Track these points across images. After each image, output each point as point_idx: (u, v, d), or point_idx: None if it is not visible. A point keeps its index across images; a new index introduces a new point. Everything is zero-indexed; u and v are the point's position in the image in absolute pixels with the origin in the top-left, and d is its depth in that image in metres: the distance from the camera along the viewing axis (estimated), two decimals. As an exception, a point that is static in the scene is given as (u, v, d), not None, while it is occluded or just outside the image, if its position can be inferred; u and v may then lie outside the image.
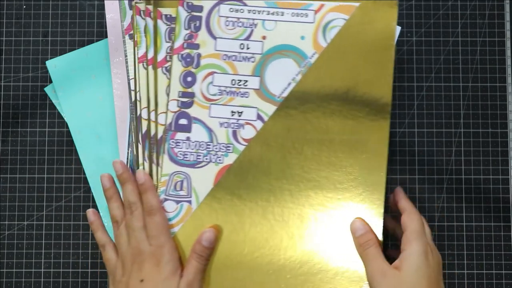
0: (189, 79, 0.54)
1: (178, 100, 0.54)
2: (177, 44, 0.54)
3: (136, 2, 0.55)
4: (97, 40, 0.61)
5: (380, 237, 0.52)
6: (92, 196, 0.59)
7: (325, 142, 0.53)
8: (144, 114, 0.54)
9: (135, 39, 0.55)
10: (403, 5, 0.62)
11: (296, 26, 0.54)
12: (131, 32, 0.56)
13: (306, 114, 0.54)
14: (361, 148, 0.53)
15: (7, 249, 0.59)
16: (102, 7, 0.61)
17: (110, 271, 0.52)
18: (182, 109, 0.54)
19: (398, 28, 0.58)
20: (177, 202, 0.53)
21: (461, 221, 0.60)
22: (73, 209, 0.60)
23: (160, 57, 0.55)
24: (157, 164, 0.54)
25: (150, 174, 0.54)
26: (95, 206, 0.59)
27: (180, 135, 0.54)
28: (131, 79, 0.55)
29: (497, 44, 0.62)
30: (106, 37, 0.59)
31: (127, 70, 0.55)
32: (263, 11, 0.54)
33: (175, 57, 0.54)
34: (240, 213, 0.53)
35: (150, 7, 0.55)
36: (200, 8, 0.55)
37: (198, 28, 0.55)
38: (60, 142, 0.60)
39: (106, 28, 0.58)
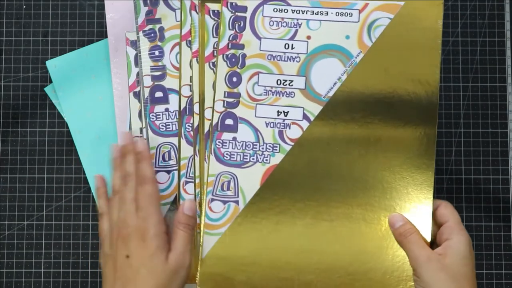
0: (234, 79, 0.54)
1: (224, 100, 0.54)
2: (222, 44, 0.55)
3: None
4: (97, 40, 0.61)
5: (429, 238, 0.52)
6: (92, 196, 0.59)
7: (372, 141, 0.53)
8: (196, 109, 0.55)
9: (192, 34, 0.55)
10: (403, 5, 0.62)
11: (340, 25, 0.54)
12: (146, 28, 0.56)
13: (352, 113, 0.53)
14: (409, 147, 0.53)
15: (7, 249, 0.59)
16: (102, 7, 0.61)
17: (101, 242, 0.52)
18: (228, 109, 0.54)
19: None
20: (224, 202, 0.53)
21: (461, 221, 0.60)
22: (73, 209, 0.60)
23: (207, 52, 0.55)
24: (206, 161, 0.54)
25: (201, 170, 0.54)
26: (95, 206, 0.59)
27: (226, 135, 0.54)
28: (144, 76, 0.55)
29: (497, 44, 0.62)
30: (106, 37, 0.59)
31: (140, 67, 0.56)
32: (307, 10, 0.54)
33: (220, 57, 0.55)
34: (288, 213, 0.53)
35: (197, 2, 0.55)
36: (244, 9, 0.55)
37: (242, 29, 0.55)
38: (60, 142, 0.60)
39: (106, 28, 0.58)
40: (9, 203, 0.60)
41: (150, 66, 0.55)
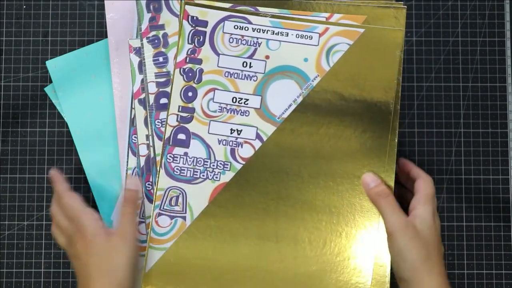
0: (190, 94, 0.54)
1: (177, 115, 0.54)
2: (180, 58, 0.54)
3: (186, 2, 0.54)
4: (97, 40, 0.61)
5: (371, 267, 0.52)
6: (92, 196, 0.59)
7: (323, 165, 0.53)
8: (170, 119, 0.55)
9: (179, 44, 0.54)
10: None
11: (300, 47, 0.54)
12: (149, 35, 0.56)
13: (304, 136, 0.54)
14: (359, 173, 0.53)
15: (7, 249, 0.59)
16: (102, 7, 0.61)
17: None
18: (182, 124, 0.54)
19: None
20: (171, 217, 0.53)
21: (461, 221, 0.60)
22: (73, 209, 0.60)
23: (180, 58, 0.55)
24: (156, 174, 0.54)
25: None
26: (95, 206, 0.59)
27: (178, 150, 0.54)
28: (149, 82, 0.55)
29: (497, 44, 0.62)
30: (106, 37, 0.59)
31: (145, 74, 0.55)
32: (268, 30, 0.54)
33: (177, 71, 0.54)
34: (235, 232, 0.53)
35: (187, 8, 0.55)
36: (205, 23, 0.55)
37: (201, 43, 0.55)
38: (60, 142, 0.60)
39: (106, 28, 0.58)
40: (9, 203, 0.60)
41: (155, 73, 0.55)
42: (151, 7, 0.56)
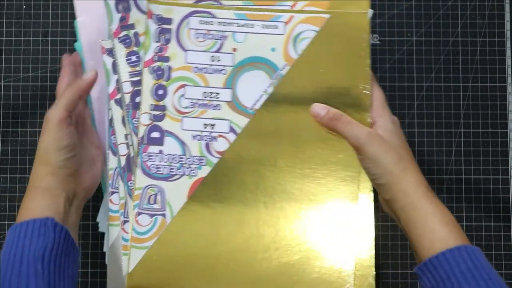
0: (160, 92, 0.54)
1: (150, 113, 0.54)
2: (148, 57, 0.54)
3: (149, 1, 0.54)
4: (97, 40, 0.61)
5: (354, 251, 0.52)
6: (92, 196, 0.59)
7: (299, 153, 0.53)
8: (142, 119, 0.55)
9: (145, 43, 0.54)
10: (403, 5, 0.62)
11: (266, 38, 0.54)
12: (121, 35, 0.55)
13: (278, 126, 0.53)
14: (335, 160, 0.53)
15: (7, 249, 0.59)
16: (102, 7, 0.61)
17: None
18: (154, 122, 0.54)
19: (371, 11, 0.58)
20: (151, 215, 0.53)
21: (461, 221, 0.60)
22: (73, 209, 0.60)
23: (148, 57, 0.54)
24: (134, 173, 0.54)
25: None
26: (95, 206, 0.59)
27: (153, 148, 0.54)
28: (123, 82, 0.55)
29: (497, 44, 0.62)
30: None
31: (119, 74, 0.55)
32: (233, 23, 0.54)
33: (145, 70, 0.54)
34: (215, 226, 0.53)
35: (151, 7, 0.55)
36: (169, 21, 0.55)
37: (168, 41, 0.54)
38: (60, 142, 0.60)
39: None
40: (9, 203, 0.60)
41: (129, 72, 0.55)
42: (120, 7, 0.56)
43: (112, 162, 0.55)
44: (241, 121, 0.54)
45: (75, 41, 0.61)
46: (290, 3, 0.55)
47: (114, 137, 0.55)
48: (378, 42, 0.62)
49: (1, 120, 0.61)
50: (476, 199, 0.61)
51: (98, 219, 0.57)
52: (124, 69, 0.55)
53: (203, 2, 0.55)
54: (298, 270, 0.52)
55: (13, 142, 0.61)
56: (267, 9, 0.54)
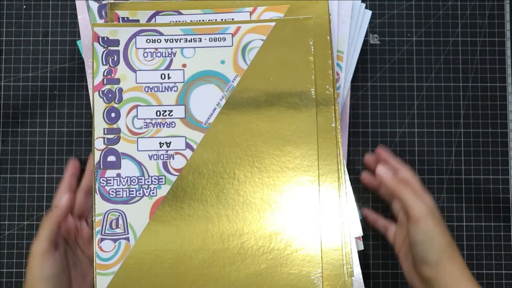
0: (112, 115, 0.54)
1: (104, 138, 0.53)
2: (97, 80, 0.54)
3: (94, 24, 0.54)
4: (97, 40, 0.61)
5: (315, 253, 0.52)
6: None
7: (256, 163, 0.53)
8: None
9: (93, 67, 0.54)
10: (403, 5, 0.62)
11: (215, 51, 0.54)
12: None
13: (234, 137, 0.54)
14: (293, 166, 0.53)
15: (7, 249, 0.59)
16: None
17: None
18: (109, 146, 0.53)
19: (369, 12, 0.58)
20: (114, 240, 0.53)
21: (461, 221, 0.60)
22: (73, 209, 0.60)
23: (97, 80, 0.54)
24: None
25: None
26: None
27: (110, 172, 0.53)
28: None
29: (497, 44, 0.62)
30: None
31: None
32: (181, 39, 0.54)
33: (96, 94, 0.54)
34: (180, 244, 0.52)
35: (96, 29, 0.54)
36: (116, 42, 0.54)
37: (116, 63, 0.54)
38: (60, 142, 0.60)
39: (78, 28, 0.58)
40: (9, 203, 0.60)
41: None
42: (103, 12, 0.56)
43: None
44: (197, 137, 0.54)
45: (75, 41, 0.61)
46: (250, 9, 0.55)
47: None
48: (378, 42, 0.62)
49: (1, 120, 0.61)
50: (476, 199, 0.60)
51: None
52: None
53: (161, 13, 0.54)
54: (267, 279, 0.52)
55: (13, 142, 0.61)
56: (213, 22, 0.55)
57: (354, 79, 0.61)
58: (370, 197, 0.60)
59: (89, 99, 0.60)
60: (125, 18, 0.54)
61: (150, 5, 0.55)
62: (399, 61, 0.61)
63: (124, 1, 0.55)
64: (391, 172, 0.52)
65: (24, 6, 0.62)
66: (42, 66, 0.61)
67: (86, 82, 0.59)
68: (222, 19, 0.55)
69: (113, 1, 0.55)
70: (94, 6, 0.56)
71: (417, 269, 0.50)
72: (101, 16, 0.56)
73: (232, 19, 0.55)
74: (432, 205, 0.51)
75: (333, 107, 0.54)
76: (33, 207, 0.60)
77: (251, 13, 0.55)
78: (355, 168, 0.60)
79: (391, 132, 0.61)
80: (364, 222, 0.57)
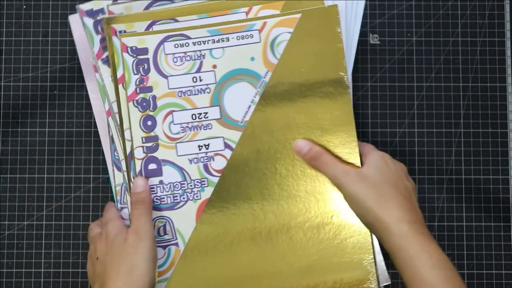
0: (149, 123, 0.54)
1: (143, 146, 0.54)
2: (130, 91, 0.54)
3: (121, 35, 0.54)
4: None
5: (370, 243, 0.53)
6: (92, 196, 0.59)
7: (296, 156, 0.54)
8: (127, 136, 0.55)
9: (125, 78, 0.54)
10: (403, 5, 0.62)
11: (244, 48, 0.54)
12: (103, 56, 0.55)
13: (272, 132, 0.54)
14: (331, 151, 0.53)
15: (7, 249, 0.59)
16: (102, 7, 0.61)
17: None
18: (149, 154, 0.54)
19: (362, 3, 0.58)
20: (164, 247, 0.53)
21: (461, 221, 0.60)
22: (73, 209, 0.60)
23: (130, 90, 0.54)
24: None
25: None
26: (95, 206, 0.59)
27: (153, 180, 0.53)
28: (113, 102, 0.55)
29: (497, 44, 0.62)
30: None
31: (107, 95, 0.55)
32: (208, 40, 0.54)
33: (130, 104, 0.54)
34: (229, 244, 0.53)
35: (124, 40, 0.54)
36: (145, 51, 0.54)
37: (147, 71, 0.54)
38: (60, 142, 0.60)
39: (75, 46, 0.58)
40: (9, 203, 0.60)
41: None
42: (100, 27, 0.55)
43: (118, 178, 0.55)
44: (234, 136, 0.54)
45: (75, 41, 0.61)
46: (245, 9, 0.55)
47: (117, 153, 0.55)
48: (378, 42, 0.62)
49: (1, 120, 0.61)
50: (476, 199, 0.60)
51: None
52: (112, 89, 0.55)
53: (159, 23, 0.54)
54: (319, 270, 0.53)
55: (13, 142, 0.61)
56: (240, 20, 0.55)
57: (354, 79, 0.61)
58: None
59: (89, 99, 0.60)
60: (134, 48, 0.54)
61: (145, 15, 0.55)
62: (399, 61, 0.61)
63: (119, 14, 0.55)
64: (306, 148, 0.53)
65: (24, 6, 0.62)
66: (42, 66, 0.61)
67: (85, 82, 0.59)
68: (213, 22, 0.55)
69: (108, 15, 0.55)
70: (90, 22, 0.56)
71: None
72: (97, 32, 0.56)
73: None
74: (345, 168, 0.51)
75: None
76: (33, 207, 0.60)
77: (247, 13, 0.55)
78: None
79: (391, 132, 0.61)
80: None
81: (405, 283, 0.47)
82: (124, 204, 0.55)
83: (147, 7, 0.55)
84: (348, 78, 0.55)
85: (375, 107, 0.61)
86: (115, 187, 0.55)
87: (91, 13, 0.56)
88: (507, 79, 0.61)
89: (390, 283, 0.53)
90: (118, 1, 0.56)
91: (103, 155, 0.58)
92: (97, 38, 0.56)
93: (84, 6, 0.56)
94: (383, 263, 0.54)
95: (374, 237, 0.54)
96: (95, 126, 0.59)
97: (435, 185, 0.60)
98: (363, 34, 0.61)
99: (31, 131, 0.61)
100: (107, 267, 0.49)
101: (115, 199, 0.56)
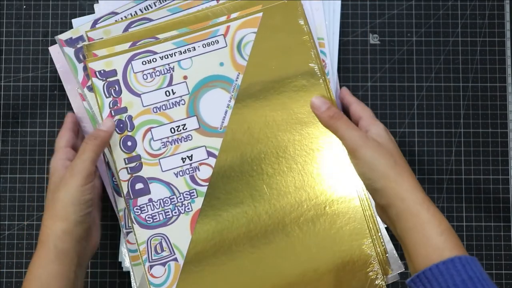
0: (129, 143, 0.54)
1: (126, 168, 0.54)
2: (105, 114, 0.54)
3: (87, 60, 0.54)
4: (97, 40, 0.61)
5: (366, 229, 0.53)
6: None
7: (280, 153, 0.54)
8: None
9: (98, 103, 0.54)
10: (403, 5, 0.62)
11: (211, 55, 0.54)
12: (89, 84, 0.55)
13: (252, 134, 0.54)
14: (315, 145, 0.54)
15: (7, 249, 0.59)
16: (102, 7, 0.61)
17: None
18: (134, 174, 0.54)
19: (338, 3, 0.59)
20: (164, 264, 0.53)
21: (461, 221, 0.60)
22: (73, 209, 0.60)
23: (105, 114, 0.54)
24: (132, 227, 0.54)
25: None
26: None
27: (142, 200, 0.53)
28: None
29: (497, 44, 0.62)
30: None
31: (97, 122, 0.55)
32: (175, 52, 0.54)
33: None
34: (228, 251, 0.53)
35: (90, 65, 0.54)
36: (113, 72, 0.54)
37: (119, 92, 0.54)
38: (60, 142, 0.60)
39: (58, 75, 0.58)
40: (9, 203, 0.60)
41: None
42: (81, 55, 0.55)
43: (120, 203, 0.55)
44: (216, 143, 0.54)
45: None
46: (224, 17, 0.55)
47: (115, 179, 0.55)
48: (378, 42, 0.62)
49: (1, 120, 0.61)
50: (476, 199, 0.61)
51: (120, 259, 0.58)
52: (99, 116, 0.54)
53: (139, 43, 0.54)
54: (321, 262, 0.53)
55: (13, 142, 0.61)
56: (202, 27, 0.55)
57: (354, 79, 0.61)
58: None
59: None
60: (102, 71, 0.54)
61: (126, 37, 0.55)
62: (399, 61, 0.61)
63: (99, 39, 0.55)
64: (325, 106, 0.52)
65: (24, 6, 0.62)
66: (42, 66, 0.61)
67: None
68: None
69: (88, 42, 0.55)
70: (70, 51, 0.56)
71: (374, 200, 0.50)
72: (79, 60, 0.56)
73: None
74: (365, 134, 0.50)
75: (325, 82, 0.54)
76: (33, 207, 0.60)
77: (224, 36, 0.55)
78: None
79: (391, 132, 0.61)
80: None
81: (407, 247, 0.47)
82: (129, 229, 0.55)
83: (125, 29, 0.55)
84: (333, 69, 0.55)
85: (375, 107, 0.61)
86: (117, 212, 0.55)
87: (70, 42, 0.56)
88: (507, 79, 0.61)
89: (403, 269, 0.53)
90: (96, 27, 0.56)
91: (103, 155, 0.58)
92: (80, 66, 0.56)
93: (63, 36, 0.56)
94: (394, 251, 0.54)
95: (382, 227, 0.54)
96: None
97: (435, 185, 0.60)
98: (363, 34, 0.62)
99: (31, 131, 0.61)
100: (45, 203, 0.51)
101: (119, 224, 0.55)
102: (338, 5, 0.58)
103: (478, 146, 0.61)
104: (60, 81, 0.60)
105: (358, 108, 0.54)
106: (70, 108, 0.60)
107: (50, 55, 0.58)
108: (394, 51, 0.62)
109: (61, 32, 0.61)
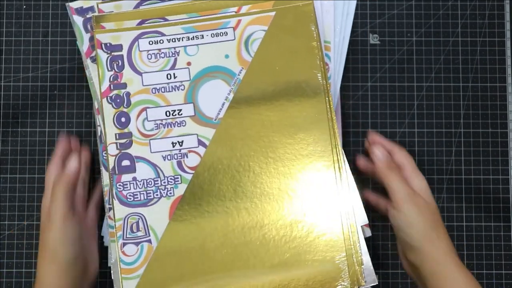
0: (123, 119, 0.54)
1: (116, 143, 0.53)
2: (104, 87, 0.54)
3: (96, 31, 0.54)
4: (97, 40, 0.61)
5: (336, 237, 0.53)
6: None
7: (270, 153, 0.54)
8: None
9: (99, 74, 0.54)
10: (403, 5, 0.62)
11: (218, 46, 0.54)
12: (92, 54, 0.55)
13: (245, 130, 0.54)
14: (306, 152, 0.53)
15: (7, 249, 0.59)
16: (102, 7, 0.61)
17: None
18: (123, 151, 0.53)
19: (354, 2, 0.58)
20: (137, 244, 0.53)
21: (461, 221, 0.60)
22: (73, 209, 0.60)
23: (104, 87, 0.54)
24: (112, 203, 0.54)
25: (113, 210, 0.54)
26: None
27: (126, 177, 0.53)
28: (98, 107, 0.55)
29: (497, 44, 0.62)
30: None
31: (96, 93, 0.55)
32: (183, 37, 0.54)
33: (104, 100, 0.54)
34: (202, 241, 0.53)
35: (98, 36, 0.54)
36: (119, 47, 0.54)
37: (121, 67, 0.54)
38: (60, 142, 0.60)
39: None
40: (9, 203, 0.60)
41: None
42: (89, 25, 0.55)
43: (106, 178, 0.54)
44: (208, 133, 0.54)
45: (75, 41, 0.61)
46: (235, 9, 0.55)
47: (105, 153, 0.54)
48: (378, 42, 0.62)
49: (1, 120, 0.61)
50: (476, 199, 0.61)
51: (102, 233, 0.58)
52: (98, 91, 0.54)
53: (149, 22, 0.54)
54: (292, 268, 0.52)
55: (13, 142, 0.61)
56: (214, 17, 0.55)
57: (354, 79, 0.61)
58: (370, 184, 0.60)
59: (90, 99, 0.60)
60: (108, 44, 0.54)
61: (135, 14, 0.55)
62: (399, 61, 0.61)
63: (109, 13, 0.55)
64: (385, 155, 0.53)
65: (24, 6, 0.62)
66: (42, 66, 0.61)
67: (86, 82, 0.59)
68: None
69: (97, 14, 0.55)
70: (79, 20, 0.56)
71: (405, 254, 0.51)
72: (87, 30, 0.56)
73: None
74: (412, 190, 0.51)
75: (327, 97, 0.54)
76: (33, 207, 0.60)
77: (236, 13, 0.55)
78: (356, 167, 0.60)
79: (391, 132, 0.61)
80: (370, 210, 0.57)
81: None
82: (111, 204, 0.54)
83: (136, 6, 0.55)
84: (337, 76, 0.55)
85: (375, 107, 0.61)
86: (103, 187, 0.55)
87: (81, 11, 0.56)
88: (507, 79, 0.61)
89: (377, 283, 0.53)
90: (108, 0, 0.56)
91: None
92: (86, 37, 0.56)
93: (74, 4, 0.56)
94: (370, 264, 0.53)
95: (361, 237, 0.53)
96: (95, 126, 0.59)
97: (435, 185, 0.60)
98: (363, 34, 0.62)
99: (31, 131, 0.61)
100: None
101: (104, 198, 0.55)
102: (352, 7, 0.58)
103: (478, 146, 0.61)
104: (60, 81, 0.60)
105: (401, 156, 0.54)
106: (70, 108, 0.60)
107: (51, 51, 0.58)
108: (394, 51, 0.62)
109: (61, 32, 0.61)
